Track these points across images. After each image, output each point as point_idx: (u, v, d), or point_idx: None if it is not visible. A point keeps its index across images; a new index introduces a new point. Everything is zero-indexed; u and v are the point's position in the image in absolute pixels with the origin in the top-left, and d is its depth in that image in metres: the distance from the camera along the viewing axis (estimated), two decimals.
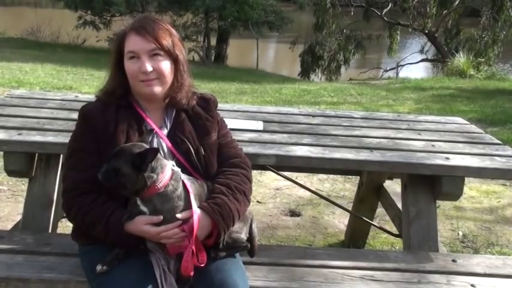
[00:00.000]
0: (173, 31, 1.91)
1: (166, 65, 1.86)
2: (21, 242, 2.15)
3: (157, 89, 1.87)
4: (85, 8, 18.55)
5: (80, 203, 1.79)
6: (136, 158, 1.68)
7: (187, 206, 1.76)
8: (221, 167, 1.96)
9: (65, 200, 1.86)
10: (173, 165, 1.81)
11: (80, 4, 18.32)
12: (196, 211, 1.75)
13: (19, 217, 2.87)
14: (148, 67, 1.81)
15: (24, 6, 29.08)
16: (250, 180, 1.97)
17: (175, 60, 1.89)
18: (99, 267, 1.75)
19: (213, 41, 19.87)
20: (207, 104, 2.03)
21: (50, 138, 2.31)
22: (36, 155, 2.42)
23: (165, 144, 1.90)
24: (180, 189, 1.76)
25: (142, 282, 1.70)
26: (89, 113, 1.89)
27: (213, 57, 19.58)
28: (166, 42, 1.84)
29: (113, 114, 1.87)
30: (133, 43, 1.83)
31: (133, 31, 1.84)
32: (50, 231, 2.41)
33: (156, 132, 1.90)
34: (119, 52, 1.88)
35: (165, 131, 1.93)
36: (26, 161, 2.36)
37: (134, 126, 1.87)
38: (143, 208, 1.75)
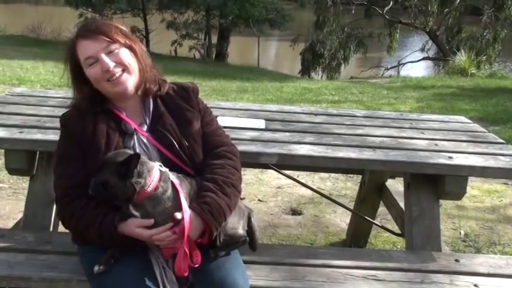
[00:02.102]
0: (118, 24, 1.88)
1: (125, 54, 1.83)
2: (22, 241, 2.14)
3: (129, 83, 1.83)
4: (86, 5, 18.55)
5: (72, 209, 1.79)
6: (120, 167, 1.67)
7: (178, 206, 1.74)
8: (207, 157, 1.92)
9: (57, 208, 1.86)
10: (160, 166, 1.78)
11: (80, 1, 18.32)
12: (187, 211, 1.74)
13: (20, 215, 2.86)
14: (110, 63, 1.79)
15: (24, 3, 29.02)
16: (238, 170, 1.94)
17: (131, 48, 1.85)
18: (96, 268, 1.75)
19: (214, 39, 19.85)
20: (186, 93, 1.99)
21: (51, 136, 2.29)
22: (38, 153, 2.41)
23: (147, 140, 1.89)
24: (170, 190, 1.75)
25: (142, 280, 1.70)
26: (67, 120, 1.88)
27: (214, 55, 19.56)
28: (115, 33, 1.82)
29: (90, 119, 1.85)
30: (86, 48, 1.80)
31: (80, 38, 1.82)
32: (51, 229, 2.40)
33: (135, 129, 1.88)
34: (75, 65, 1.84)
35: (145, 127, 1.91)
36: (27, 159, 2.35)
37: (113, 126, 1.86)
38: (135, 213, 1.74)
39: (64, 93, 3.13)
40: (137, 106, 1.93)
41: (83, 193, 1.76)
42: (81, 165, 1.81)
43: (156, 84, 1.93)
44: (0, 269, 1.93)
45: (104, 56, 1.79)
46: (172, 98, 1.96)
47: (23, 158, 2.34)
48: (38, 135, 2.29)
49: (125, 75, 1.82)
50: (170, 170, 1.82)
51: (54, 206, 2.41)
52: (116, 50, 1.81)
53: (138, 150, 1.85)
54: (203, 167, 1.91)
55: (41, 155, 2.42)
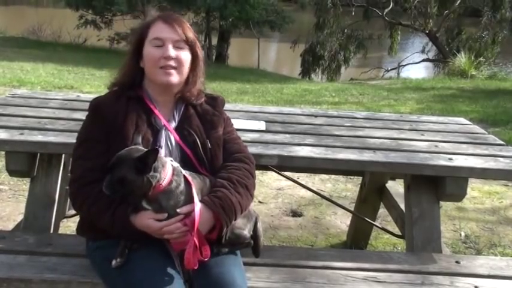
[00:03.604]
0: (195, 33, 1.99)
1: (187, 57, 1.92)
2: (23, 242, 2.14)
3: (175, 79, 1.90)
4: (86, 7, 18.53)
5: (87, 193, 1.80)
6: (138, 162, 1.68)
7: (190, 199, 1.76)
8: (224, 161, 1.97)
9: (71, 189, 1.86)
10: (172, 161, 1.81)
11: (81, 3, 18.31)
12: (198, 204, 1.75)
13: (20, 217, 2.86)
14: (172, 52, 1.87)
15: (25, 5, 29.02)
16: (253, 176, 1.98)
17: (195, 56, 1.95)
18: (114, 262, 1.76)
19: (214, 41, 19.85)
20: (215, 102, 2.07)
21: (51, 138, 2.30)
22: (38, 154, 2.41)
23: (173, 137, 1.92)
24: (183, 184, 1.77)
25: (167, 270, 1.73)
26: (99, 103, 1.92)
27: (214, 57, 19.55)
28: (191, 36, 1.93)
29: (123, 106, 1.89)
30: (161, 30, 1.90)
31: (161, 20, 1.92)
32: (51, 231, 2.40)
33: (164, 125, 1.92)
34: (140, 40, 1.92)
35: (173, 125, 1.95)
36: (27, 160, 2.35)
37: (143, 117, 1.90)
38: (148, 207, 1.76)
39: (64, 95, 3.13)
40: (170, 104, 1.99)
41: (99, 177, 1.76)
42: (104, 149, 1.83)
43: (196, 98, 2.00)
44: (0, 271, 1.93)
45: (170, 45, 1.88)
46: (201, 105, 2.03)
47: (24, 160, 2.34)
48: (38, 137, 2.30)
49: (175, 71, 1.90)
50: (189, 170, 1.85)
51: (55, 208, 2.42)
52: (182, 49, 1.91)
53: (163, 146, 1.89)
54: (220, 169, 1.94)
55: (41, 157, 2.42)
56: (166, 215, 1.74)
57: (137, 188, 1.70)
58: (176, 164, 1.81)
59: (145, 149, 1.74)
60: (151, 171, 1.69)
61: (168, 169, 1.74)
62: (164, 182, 1.72)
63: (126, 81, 1.95)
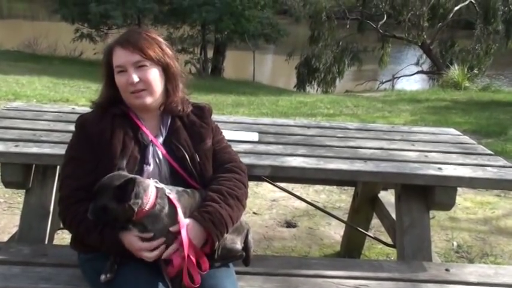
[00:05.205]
0: (160, 39, 1.95)
1: (153, 74, 1.89)
2: (18, 253, 2.16)
3: (148, 100, 1.90)
4: (82, 20, 18.60)
5: (75, 211, 1.82)
6: (117, 191, 1.69)
7: (175, 221, 1.77)
8: (215, 172, 1.97)
9: (60, 208, 1.89)
10: (156, 182, 1.82)
11: (76, 17, 18.37)
12: (184, 224, 1.76)
13: (15, 229, 2.87)
14: (135, 78, 1.85)
15: (20, 18, 29.07)
16: (245, 185, 1.98)
17: (165, 67, 1.92)
18: (103, 277, 1.77)
19: (210, 54, 19.94)
20: (202, 111, 2.07)
21: (46, 149, 2.33)
22: (33, 166, 2.43)
23: (161, 152, 1.93)
24: (167, 206, 1.77)
25: (154, 281, 1.74)
26: (85, 122, 1.92)
27: (209, 70, 19.62)
28: (152, 51, 1.88)
29: (109, 123, 1.90)
30: (119, 57, 1.88)
31: (118, 45, 1.89)
32: (46, 242, 2.42)
33: (151, 141, 1.93)
34: (108, 66, 1.92)
35: (161, 139, 1.96)
36: (22, 172, 2.38)
37: (130, 134, 1.90)
38: (134, 229, 1.77)
39: (59, 107, 3.16)
40: (155, 118, 1.99)
41: (87, 196, 1.78)
42: (91, 168, 1.84)
43: (181, 106, 1.99)
44: None
45: (131, 70, 1.86)
46: (188, 115, 2.02)
47: (19, 171, 2.37)
48: (33, 149, 2.33)
49: (145, 92, 1.89)
50: (179, 185, 1.87)
51: (50, 219, 2.44)
52: (146, 68, 1.88)
53: (151, 162, 1.90)
54: (211, 181, 1.94)
55: (36, 168, 2.45)
56: (151, 234, 1.75)
57: (120, 214, 1.72)
58: (161, 186, 1.81)
59: (128, 175, 1.75)
60: (132, 198, 1.70)
61: (150, 193, 1.75)
62: (147, 207, 1.73)
63: (107, 103, 1.95)
